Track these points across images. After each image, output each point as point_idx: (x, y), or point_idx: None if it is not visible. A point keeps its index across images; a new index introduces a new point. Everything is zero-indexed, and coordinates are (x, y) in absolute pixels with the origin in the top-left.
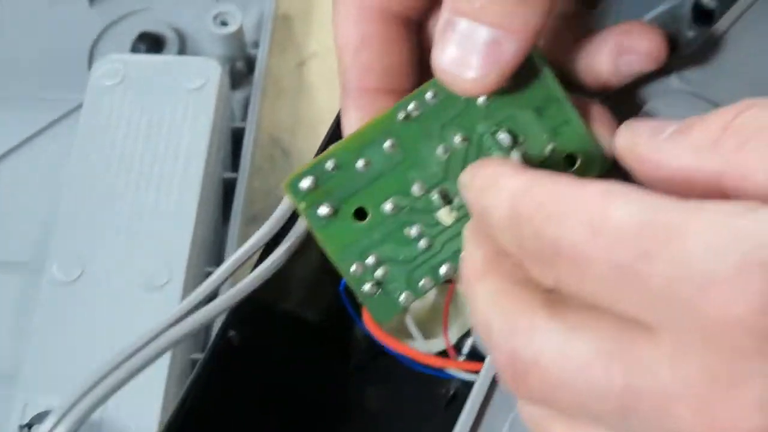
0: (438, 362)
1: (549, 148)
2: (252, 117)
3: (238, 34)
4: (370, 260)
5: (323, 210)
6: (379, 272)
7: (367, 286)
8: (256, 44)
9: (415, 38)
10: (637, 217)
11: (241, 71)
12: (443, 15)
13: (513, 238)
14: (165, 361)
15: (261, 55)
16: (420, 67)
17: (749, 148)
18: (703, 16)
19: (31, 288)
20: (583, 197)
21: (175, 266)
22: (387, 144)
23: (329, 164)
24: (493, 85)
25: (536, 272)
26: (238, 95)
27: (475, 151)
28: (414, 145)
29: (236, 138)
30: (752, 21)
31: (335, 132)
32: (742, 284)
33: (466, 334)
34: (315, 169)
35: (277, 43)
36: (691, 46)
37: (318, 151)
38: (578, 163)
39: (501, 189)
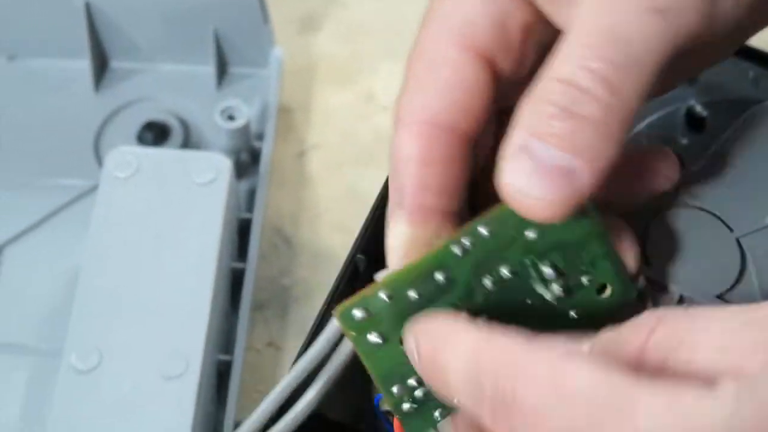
0: None
1: (585, 279)
2: (259, 209)
3: (245, 128)
4: (412, 381)
5: (373, 338)
6: (418, 393)
7: (406, 406)
8: (259, 136)
9: (471, 157)
10: (593, 388)
11: (245, 162)
12: (516, 136)
13: (470, 394)
14: None
15: (266, 148)
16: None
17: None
18: (696, 124)
19: (42, 374)
20: (545, 359)
21: (192, 356)
22: (440, 277)
23: (382, 295)
24: (564, 213)
25: (491, 425)
26: (243, 185)
27: (519, 281)
28: (464, 277)
29: (242, 227)
30: (750, 136)
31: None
32: None
33: None
34: (368, 301)
35: (277, 134)
36: (697, 162)
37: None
38: (609, 291)
39: (457, 346)
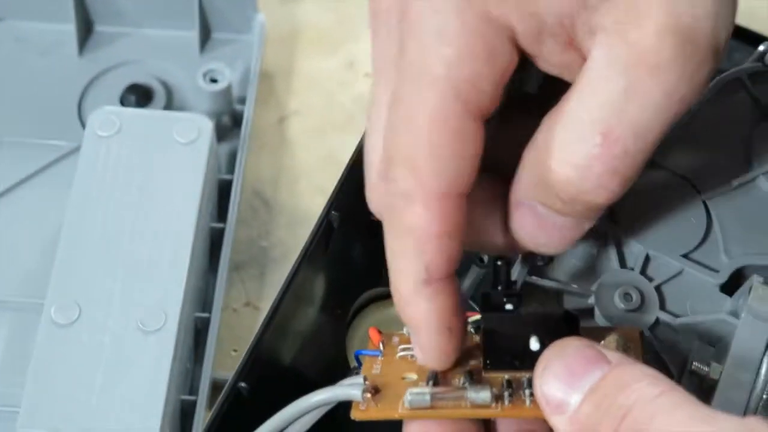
0: None
1: None
2: (239, 170)
3: (227, 91)
4: None
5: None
6: None
7: None
8: (241, 100)
9: None
10: None
11: (226, 125)
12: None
13: None
14: (159, 403)
15: (247, 112)
16: None
17: None
18: None
19: (24, 328)
20: None
21: (170, 311)
22: None
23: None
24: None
25: None
26: (223, 148)
27: None
28: None
29: (222, 189)
30: (719, 103)
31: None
32: None
33: None
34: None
35: (259, 99)
36: None
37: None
38: None
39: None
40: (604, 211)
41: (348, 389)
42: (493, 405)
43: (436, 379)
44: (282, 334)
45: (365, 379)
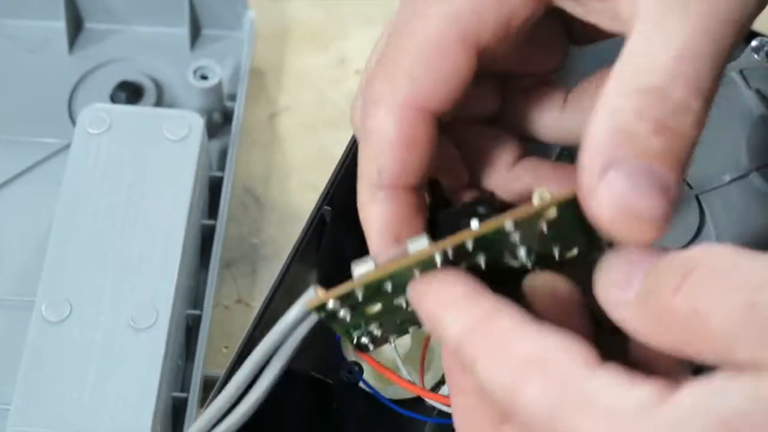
0: (413, 389)
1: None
2: (230, 167)
3: (217, 88)
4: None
5: (358, 334)
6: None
7: (364, 339)
8: (231, 97)
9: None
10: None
11: (216, 122)
12: (608, 157)
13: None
14: (151, 400)
15: (238, 109)
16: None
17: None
18: None
19: (15, 325)
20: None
21: (161, 308)
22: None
23: (358, 294)
24: (665, 229)
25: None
26: (214, 145)
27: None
28: None
29: (212, 186)
30: None
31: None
32: None
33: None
34: (344, 298)
35: (249, 96)
36: None
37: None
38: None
39: (448, 325)
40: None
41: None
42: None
43: None
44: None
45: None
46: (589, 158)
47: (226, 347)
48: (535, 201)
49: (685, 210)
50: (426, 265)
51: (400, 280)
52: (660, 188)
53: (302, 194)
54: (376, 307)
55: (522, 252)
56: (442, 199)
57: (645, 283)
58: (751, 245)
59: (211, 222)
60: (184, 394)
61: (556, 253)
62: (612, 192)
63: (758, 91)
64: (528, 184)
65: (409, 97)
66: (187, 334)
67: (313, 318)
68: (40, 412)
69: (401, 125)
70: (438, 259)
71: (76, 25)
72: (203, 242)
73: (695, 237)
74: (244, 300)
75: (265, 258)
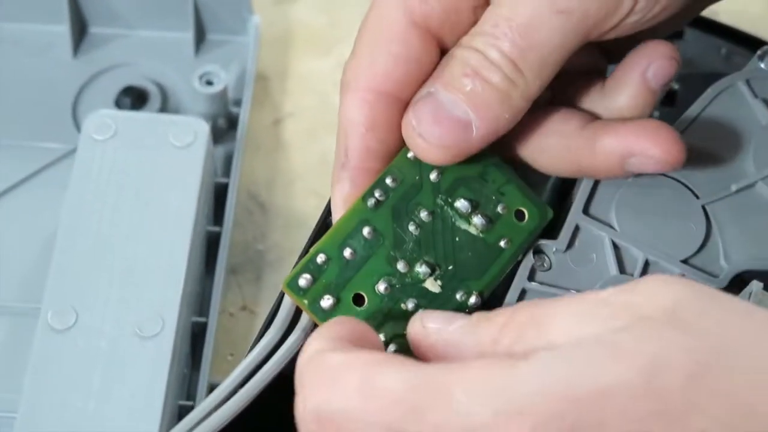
0: None
1: (500, 207)
2: (235, 173)
3: (223, 94)
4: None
5: (325, 303)
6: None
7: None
8: (236, 102)
9: None
10: (405, 381)
11: (221, 127)
12: (428, 86)
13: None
14: (157, 408)
15: (243, 114)
16: None
17: (521, 341)
18: (668, 97)
19: (20, 332)
20: (352, 366)
21: (167, 317)
22: (365, 231)
23: (319, 259)
24: (453, 159)
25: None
26: (219, 151)
27: (440, 222)
28: (388, 227)
29: (218, 192)
30: (716, 107)
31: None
32: (499, 428)
33: None
34: (308, 266)
35: (254, 101)
36: None
37: (308, 241)
38: (527, 215)
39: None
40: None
41: None
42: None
43: None
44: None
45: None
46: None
47: (232, 355)
48: None
49: (691, 220)
50: (364, 214)
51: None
52: (456, 123)
53: (306, 200)
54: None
55: (461, 204)
56: None
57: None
58: (759, 256)
59: (217, 228)
60: (189, 402)
61: (499, 209)
62: (414, 115)
63: (765, 101)
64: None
65: (369, 82)
66: (193, 342)
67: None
68: (46, 420)
69: (362, 108)
70: (371, 203)
71: (80, 30)
72: (208, 248)
73: (701, 247)
74: (249, 307)
75: (270, 264)
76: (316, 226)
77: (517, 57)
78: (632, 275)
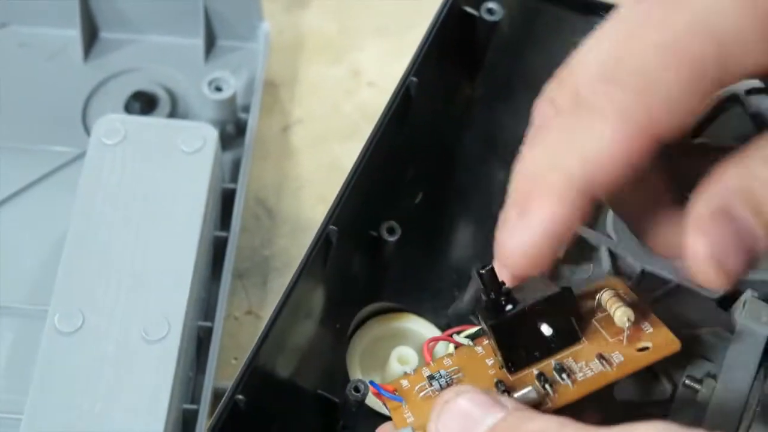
0: None
1: None
2: (243, 179)
3: (232, 100)
4: None
5: None
6: None
7: None
8: (245, 108)
9: None
10: None
11: (230, 134)
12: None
13: None
14: (162, 411)
15: (252, 121)
16: None
17: None
18: None
19: (28, 334)
20: None
21: (173, 320)
22: None
23: None
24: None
25: None
26: (227, 156)
27: None
28: None
29: (225, 197)
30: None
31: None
32: None
33: None
34: None
35: (263, 108)
36: None
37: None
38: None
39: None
40: None
41: None
42: (542, 401)
43: None
44: (280, 347)
45: (412, 429)
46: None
47: (236, 359)
48: None
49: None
50: None
51: None
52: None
53: (314, 206)
54: None
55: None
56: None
57: None
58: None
59: (224, 233)
60: (194, 406)
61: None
62: (714, 233)
63: (753, 115)
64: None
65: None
66: (198, 346)
67: None
68: (52, 422)
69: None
70: None
71: (91, 34)
72: (215, 253)
73: None
74: (255, 311)
75: (276, 269)
76: (316, 236)
77: None
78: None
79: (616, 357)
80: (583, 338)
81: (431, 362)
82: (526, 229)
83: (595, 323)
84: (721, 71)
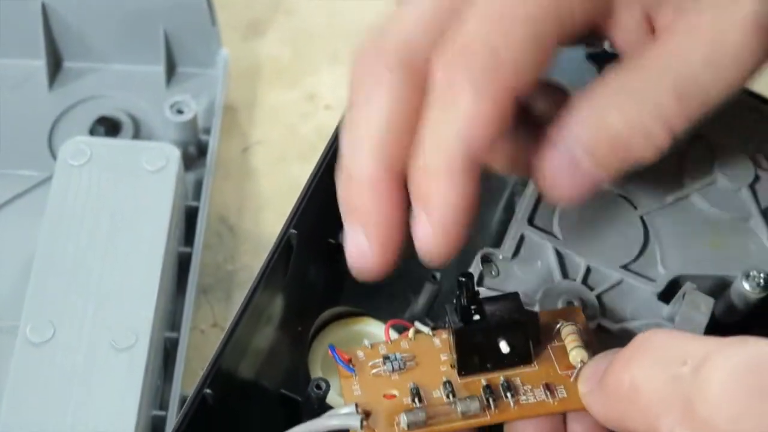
0: None
1: None
2: (205, 197)
3: (193, 122)
4: None
5: None
6: None
7: None
8: (206, 131)
9: None
10: None
11: (192, 155)
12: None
13: None
14: (132, 418)
15: (212, 142)
16: None
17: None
18: None
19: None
20: None
21: (141, 331)
22: None
23: None
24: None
25: None
26: (190, 176)
27: None
28: None
29: (189, 215)
30: None
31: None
32: None
33: None
34: None
35: (223, 130)
36: None
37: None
38: None
39: None
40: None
41: (346, 419)
42: (482, 413)
43: (418, 392)
44: (243, 349)
45: (357, 406)
46: (556, 129)
47: (203, 369)
48: None
49: (630, 229)
50: None
51: None
52: (585, 178)
53: (274, 224)
54: None
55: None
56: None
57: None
58: (693, 262)
59: (188, 249)
60: (162, 412)
61: None
62: (552, 163)
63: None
64: None
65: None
66: (166, 356)
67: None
68: (25, 429)
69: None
70: None
71: (55, 64)
72: (180, 269)
73: (640, 254)
74: (220, 324)
75: (239, 284)
76: (276, 242)
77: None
78: (575, 280)
79: (560, 392)
80: (535, 363)
81: (389, 341)
82: (433, 221)
83: (550, 350)
84: (557, 23)
